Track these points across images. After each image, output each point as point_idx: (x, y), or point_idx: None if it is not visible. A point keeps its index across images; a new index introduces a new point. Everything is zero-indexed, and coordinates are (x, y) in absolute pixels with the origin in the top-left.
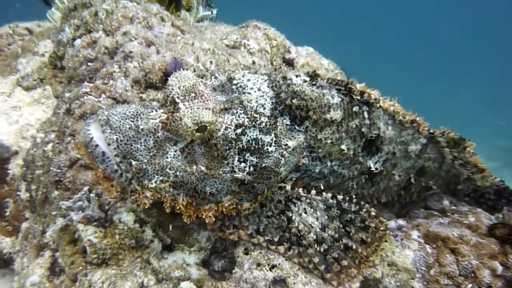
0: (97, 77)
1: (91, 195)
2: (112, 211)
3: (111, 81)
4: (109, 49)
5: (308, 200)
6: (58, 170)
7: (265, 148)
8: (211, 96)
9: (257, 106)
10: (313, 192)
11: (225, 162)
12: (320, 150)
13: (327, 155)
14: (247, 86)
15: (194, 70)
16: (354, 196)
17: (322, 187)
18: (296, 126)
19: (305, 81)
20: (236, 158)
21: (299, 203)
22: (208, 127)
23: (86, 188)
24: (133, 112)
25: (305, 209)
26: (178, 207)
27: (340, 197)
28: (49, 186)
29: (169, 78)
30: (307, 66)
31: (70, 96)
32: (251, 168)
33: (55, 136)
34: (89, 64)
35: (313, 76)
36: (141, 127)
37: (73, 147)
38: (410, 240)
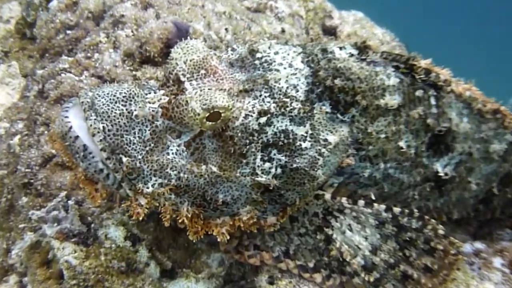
0: (79, 49)
1: (70, 202)
2: (96, 224)
3: (96, 55)
4: (94, 12)
5: (354, 214)
6: (27, 170)
7: (298, 143)
8: (226, 73)
9: (287, 88)
10: (361, 202)
11: (244, 161)
12: (370, 148)
13: (380, 155)
14: (274, 61)
15: (205, 40)
16: (415, 210)
17: (373, 197)
18: (339, 115)
19: (352, 55)
20: (259, 156)
21: (342, 217)
22: (222, 115)
23: (63, 193)
24: (125, 93)
25: (349, 225)
26: (181, 220)
27: (397, 209)
28: (16, 191)
29: (171, 50)
30: (354, 36)
31: (44, 74)
32: (279, 170)
33: (24, 125)
34: (68, 32)
35: (363, 49)
36: (135, 113)
37: (47, 139)
38: (491, 269)
